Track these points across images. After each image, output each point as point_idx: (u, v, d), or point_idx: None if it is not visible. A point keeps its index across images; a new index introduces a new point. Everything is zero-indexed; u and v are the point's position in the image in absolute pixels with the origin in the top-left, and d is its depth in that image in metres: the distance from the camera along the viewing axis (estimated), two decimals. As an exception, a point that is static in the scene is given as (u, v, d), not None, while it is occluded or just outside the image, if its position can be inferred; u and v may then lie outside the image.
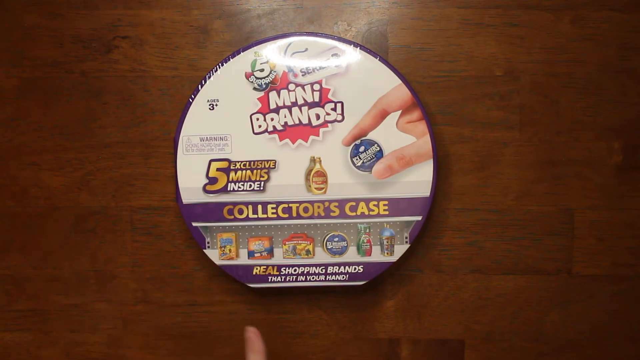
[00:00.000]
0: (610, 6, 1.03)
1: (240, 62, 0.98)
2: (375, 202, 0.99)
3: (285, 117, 0.98)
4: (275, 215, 0.99)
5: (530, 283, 1.06)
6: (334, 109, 0.98)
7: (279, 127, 0.98)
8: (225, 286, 1.06)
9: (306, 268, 1.00)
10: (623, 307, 1.06)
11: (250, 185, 0.99)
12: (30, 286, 1.07)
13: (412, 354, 1.07)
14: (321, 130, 0.98)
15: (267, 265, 1.00)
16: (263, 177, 0.98)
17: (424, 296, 1.07)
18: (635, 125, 1.04)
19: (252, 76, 0.98)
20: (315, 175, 0.98)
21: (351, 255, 1.00)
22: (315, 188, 0.98)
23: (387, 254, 1.00)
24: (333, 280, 1.01)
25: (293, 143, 0.98)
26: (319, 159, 0.98)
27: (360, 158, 0.98)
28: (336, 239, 1.00)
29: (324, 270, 1.00)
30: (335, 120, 0.98)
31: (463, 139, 1.04)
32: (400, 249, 1.00)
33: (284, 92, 0.98)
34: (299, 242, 1.00)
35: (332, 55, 0.98)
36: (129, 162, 1.05)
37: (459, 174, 1.05)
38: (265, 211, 0.99)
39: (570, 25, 1.04)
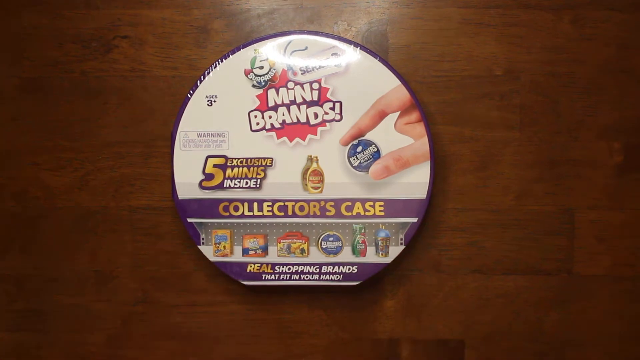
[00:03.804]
0: (610, 6, 1.03)
1: (240, 59, 0.99)
2: (371, 203, 0.99)
3: (283, 115, 0.98)
4: (270, 213, 0.99)
5: (530, 283, 1.05)
6: (333, 109, 0.98)
7: (277, 125, 0.98)
8: (224, 286, 1.06)
9: (300, 267, 1.00)
10: (623, 307, 1.06)
11: (247, 183, 0.99)
12: (30, 286, 1.08)
13: (412, 354, 1.07)
14: (319, 129, 0.98)
15: (262, 263, 1.00)
16: (259, 174, 0.98)
17: (424, 296, 1.06)
18: (635, 125, 1.04)
19: (251, 73, 0.98)
20: (312, 174, 0.98)
21: (346, 255, 1.00)
22: (312, 187, 0.98)
23: (382, 255, 1.00)
24: (327, 280, 1.01)
25: (290, 141, 0.98)
26: (316, 158, 0.98)
27: (357, 158, 0.98)
28: (331, 239, 0.99)
29: (318, 269, 1.00)
30: (333, 120, 0.98)
31: (463, 139, 1.04)
32: (395, 250, 1.00)
33: (282, 90, 0.98)
34: (294, 240, 1.00)
35: (332, 55, 0.98)
36: (129, 162, 1.06)
37: (459, 174, 1.04)
38: (260, 209, 0.99)
39: (570, 25, 1.04)
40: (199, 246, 1.00)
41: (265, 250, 1.00)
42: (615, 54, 1.04)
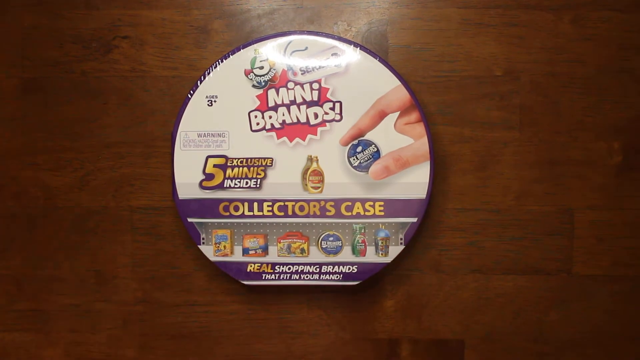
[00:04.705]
0: (610, 6, 1.03)
1: (240, 59, 0.99)
2: (371, 203, 0.99)
3: (283, 115, 0.98)
4: (270, 213, 0.99)
5: (530, 283, 1.05)
6: (333, 109, 0.98)
7: (277, 125, 0.98)
8: (224, 286, 1.06)
9: (300, 267, 1.00)
10: (623, 307, 1.06)
11: (247, 183, 0.99)
12: (30, 286, 1.08)
13: (412, 354, 1.07)
14: (319, 129, 0.98)
15: (262, 263, 1.00)
16: (260, 174, 0.98)
17: (423, 296, 1.06)
18: (635, 125, 1.04)
19: (251, 73, 0.98)
20: (312, 174, 0.98)
21: (346, 255, 1.00)
22: (312, 187, 0.98)
23: (382, 254, 1.00)
24: (327, 280, 1.01)
25: (290, 141, 0.98)
26: (316, 158, 0.98)
27: (357, 158, 0.98)
28: (331, 239, 0.99)
29: (318, 269, 1.00)
30: (333, 120, 0.98)
31: (463, 139, 1.04)
32: (395, 250, 1.00)
33: (282, 90, 0.98)
34: (294, 240, 1.00)
35: (332, 55, 0.98)
36: (129, 162, 1.06)
37: (459, 174, 1.04)
38: (260, 209, 0.99)
39: (570, 25, 1.04)
40: (199, 246, 1.00)
41: (265, 250, 1.00)
42: (615, 54, 1.04)
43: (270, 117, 0.98)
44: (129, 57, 1.05)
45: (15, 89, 1.05)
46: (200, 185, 0.99)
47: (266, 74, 0.98)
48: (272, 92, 0.98)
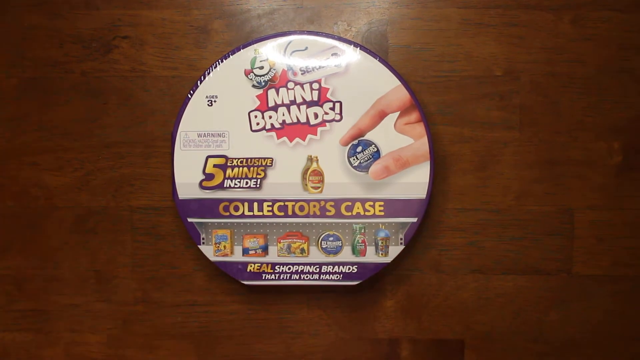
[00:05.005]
0: (610, 6, 1.03)
1: (240, 59, 0.99)
2: (371, 203, 0.99)
3: (283, 115, 0.98)
4: (270, 213, 0.99)
5: (530, 283, 1.05)
6: (333, 109, 0.98)
7: (277, 125, 0.98)
8: (225, 286, 1.06)
9: (300, 267, 1.00)
10: (623, 307, 1.06)
11: (247, 183, 0.99)
12: (30, 286, 1.07)
13: (412, 354, 1.07)
14: (319, 129, 0.98)
15: (262, 263, 1.00)
16: (260, 174, 0.98)
17: (423, 296, 1.06)
18: (635, 125, 1.04)
19: (251, 73, 0.98)
20: (312, 174, 0.98)
21: (346, 255, 1.00)
22: (312, 187, 0.98)
23: (382, 254, 1.00)
24: (327, 280, 1.01)
25: (290, 141, 0.98)
26: (316, 158, 0.98)
27: (357, 158, 0.98)
28: (331, 239, 0.99)
29: (318, 269, 1.00)
30: (333, 120, 0.98)
31: (463, 139, 1.04)
32: (394, 250, 1.00)
33: (282, 90, 0.98)
34: (294, 240, 1.00)
35: (332, 55, 0.98)
36: (129, 162, 1.05)
37: (459, 174, 1.04)
38: (260, 209, 0.99)
39: (570, 25, 1.04)
40: (199, 246, 1.00)
41: (265, 250, 1.00)
42: (615, 54, 1.04)
43: (270, 117, 0.98)
44: (129, 57, 1.05)
45: (15, 88, 1.05)
46: (200, 185, 0.99)
47: (266, 74, 0.98)
48: (272, 92, 0.98)
